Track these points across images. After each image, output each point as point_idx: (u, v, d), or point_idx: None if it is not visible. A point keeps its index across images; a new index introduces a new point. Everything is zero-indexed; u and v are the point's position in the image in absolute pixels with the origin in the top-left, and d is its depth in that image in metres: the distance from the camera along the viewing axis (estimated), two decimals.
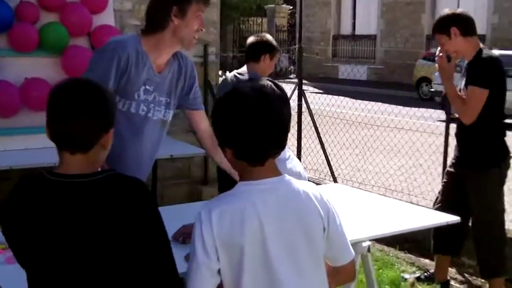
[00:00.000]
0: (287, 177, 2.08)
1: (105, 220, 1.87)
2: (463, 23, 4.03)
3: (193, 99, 3.21)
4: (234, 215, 1.95)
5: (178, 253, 2.56)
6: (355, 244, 3.15)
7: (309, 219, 2.03)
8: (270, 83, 2.23)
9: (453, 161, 4.33)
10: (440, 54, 4.10)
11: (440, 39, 4.07)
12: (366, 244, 3.19)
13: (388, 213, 3.47)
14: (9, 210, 1.95)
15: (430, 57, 17.27)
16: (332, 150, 7.60)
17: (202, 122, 3.26)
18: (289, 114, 2.07)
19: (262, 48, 4.57)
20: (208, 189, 6.22)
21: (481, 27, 20.29)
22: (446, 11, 4.17)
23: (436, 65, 4.19)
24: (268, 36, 4.70)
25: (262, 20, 28.12)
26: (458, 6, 20.76)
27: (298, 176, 2.49)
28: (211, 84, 6.24)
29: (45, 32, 4.88)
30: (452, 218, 3.33)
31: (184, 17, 2.90)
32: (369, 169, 8.12)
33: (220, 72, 6.86)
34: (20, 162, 4.45)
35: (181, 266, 2.39)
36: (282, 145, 2.06)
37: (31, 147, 4.79)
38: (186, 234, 2.81)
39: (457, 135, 4.28)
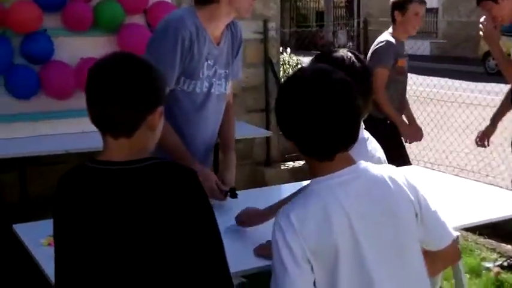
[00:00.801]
0: (363, 164, 1.82)
1: (151, 211, 1.68)
2: None
3: (236, 67, 3.07)
4: (317, 216, 1.71)
5: (245, 244, 2.35)
6: None
7: (399, 206, 1.79)
8: (350, 54, 1.96)
9: None
10: (484, 20, 3.90)
11: (486, 5, 3.90)
12: (455, 234, 2.87)
13: (474, 198, 3.15)
14: (55, 204, 1.81)
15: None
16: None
17: (229, 89, 3.07)
18: (361, 97, 1.81)
19: (392, 7, 4.46)
20: (271, 171, 5.98)
21: None
22: None
23: (481, 32, 3.94)
24: None
25: None
26: None
27: (378, 162, 2.19)
28: (272, 61, 5.96)
29: (100, 10, 4.68)
30: None
31: None
32: (442, 148, 7.68)
33: (281, 49, 6.56)
34: (76, 145, 4.29)
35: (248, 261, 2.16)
36: (352, 138, 1.79)
37: (88, 130, 4.60)
38: (249, 217, 2.53)
39: None
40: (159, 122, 1.80)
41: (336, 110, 1.71)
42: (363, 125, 2.19)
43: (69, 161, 4.62)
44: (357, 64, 2.12)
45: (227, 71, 2.95)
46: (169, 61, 2.65)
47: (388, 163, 2.16)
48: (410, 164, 4.51)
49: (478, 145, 4.44)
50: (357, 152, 1.88)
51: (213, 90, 2.89)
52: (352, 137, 1.79)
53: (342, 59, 2.12)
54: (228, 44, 2.94)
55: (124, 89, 1.71)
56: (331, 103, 1.71)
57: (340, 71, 1.80)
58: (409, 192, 1.80)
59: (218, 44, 2.86)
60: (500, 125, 6.39)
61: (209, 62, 2.83)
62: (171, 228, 1.68)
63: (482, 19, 3.93)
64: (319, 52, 2.33)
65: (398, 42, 4.56)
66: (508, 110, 4.49)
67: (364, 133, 2.29)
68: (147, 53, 2.71)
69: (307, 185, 1.82)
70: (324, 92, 1.71)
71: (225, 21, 2.84)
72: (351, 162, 1.81)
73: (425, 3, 4.54)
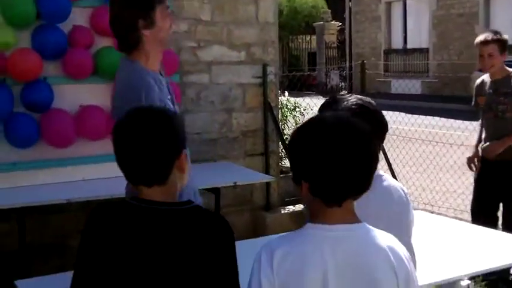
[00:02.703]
0: (366, 226, 1.81)
1: (186, 251, 1.82)
2: None
3: None
4: (296, 260, 1.71)
5: None
6: (453, 284, 2.81)
7: (381, 279, 1.75)
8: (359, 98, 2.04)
9: None
10: None
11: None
12: (465, 283, 2.83)
13: (481, 244, 3.12)
14: (89, 235, 1.89)
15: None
16: (396, 168, 7.24)
17: None
18: (376, 150, 1.84)
19: None
20: (271, 215, 5.92)
21: None
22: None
23: None
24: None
25: (311, 38, 27.86)
26: None
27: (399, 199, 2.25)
28: (271, 105, 5.96)
29: (100, 57, 4.68)
30: None
31: (153, 25, 2.81)
32: (436, 189, 7.69)
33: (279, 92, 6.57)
34: (77, 194, 4.24)
35: None
36: (365, 187, 1.79)
37: (88, 177, 4.60)
38: None
39: None
40: (186, 163, 1.94)
41: (357, 156, 1.73)
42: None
43: (70, 210, 4.59)
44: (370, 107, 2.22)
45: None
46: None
47: None
48: None
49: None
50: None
51: None
52: (366, 186, 1.79)
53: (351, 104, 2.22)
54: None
55: (152, 141, 1.83)
56: (353, 149, 1.73)
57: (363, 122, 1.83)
58: (396, 268, 1.76)
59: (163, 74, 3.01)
60: None
61: (169, 96, 2.96)
62: (201, 268, 1.81)
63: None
64: (328, 98, 2.36)
65: (490, 81, 4.75)
66: None
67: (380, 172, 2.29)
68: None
69: (303, 226, 1.81)
70: (348, 138, 1.74)
71: (158, 55, 2.94)
72: (355, 220, 1.80)
73: (487, 43, 4.60)
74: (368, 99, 2.27)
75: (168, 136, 1.86)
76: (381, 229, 1.84)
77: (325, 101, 2.32)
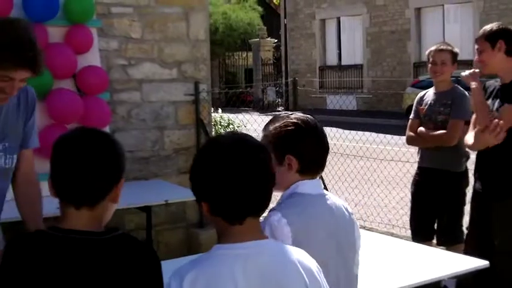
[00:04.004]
0: (273, 242, 1.84)
1: (113, 282, 1.76)
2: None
3: (28, 137, 2.83)
4: (206, 283, 1.69)
5: None
6: None
7: None
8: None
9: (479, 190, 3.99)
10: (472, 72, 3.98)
11: (482, 45, 3.90)
12: None
13: (412, 258, 3.20)
14: (6, 268, 1.78)
15: (419, 85, 17.14)
16: (328, 184, 7.34)
17: (24, 161, 2.80)
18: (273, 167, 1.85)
19: None
20: (205, 232, 5.90)
21: (468, 53, 20.43)
22: (495, 24, 4.01)
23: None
24: None
25: (247, 54, 28.09)
26: (443, 32, 20.79)
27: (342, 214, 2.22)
28: (203, 122, 5.97)
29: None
30: (481, 263, 3.04)
31: None
32: (368, 203, 7.84)
33: (212, 109, 6.59)
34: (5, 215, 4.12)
35: None
36: (264, 203, 1.81)
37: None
38: None
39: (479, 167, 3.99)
40: (120, 194, 1.88)
41: (254, 174, 1.75)
42: (321, 183, 2.26)
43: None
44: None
45: (6, 143, 2.72)
46: None
47: None
48: None
49: None
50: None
51: None
52: (265, 203, 1.80)
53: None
54: (6, 115, 2.73)
55: (93, 163, 1.78)
56: (250, 167, 1.75)
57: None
58: (307, 280, 1.77)
59: None
60: None
61: None
62: None
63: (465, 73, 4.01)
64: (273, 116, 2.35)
65: (433, 93, 4.80)
66: None
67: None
68: None
69: (212, 248, 1.80)
70: (244, 157, 1.76)
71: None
72: (260, 236, 1.80)
73: (442, 51, 4.70)
74: (309, 116, 2.25)
75: (111, 159, 1.82)
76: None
77: (269, 120, 2.29)
